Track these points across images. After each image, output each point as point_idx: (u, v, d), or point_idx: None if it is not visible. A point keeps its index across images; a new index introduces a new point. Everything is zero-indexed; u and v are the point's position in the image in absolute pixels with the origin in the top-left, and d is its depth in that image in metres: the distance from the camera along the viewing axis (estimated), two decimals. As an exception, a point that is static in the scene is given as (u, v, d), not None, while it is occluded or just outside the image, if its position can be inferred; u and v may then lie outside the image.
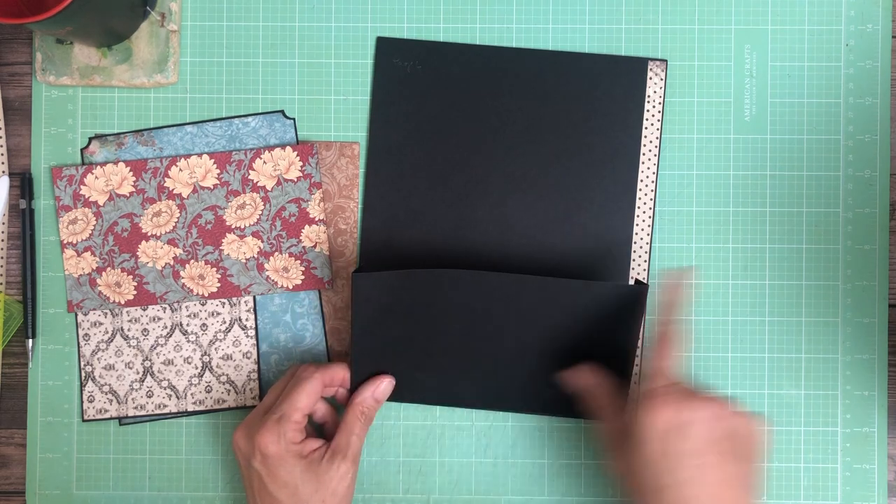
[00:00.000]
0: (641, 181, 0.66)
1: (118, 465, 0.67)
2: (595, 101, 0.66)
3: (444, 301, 0.61)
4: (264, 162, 0.66)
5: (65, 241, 0.66)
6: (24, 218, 0.66)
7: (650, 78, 0.66)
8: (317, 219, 0.66)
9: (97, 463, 0.67)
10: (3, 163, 0.67)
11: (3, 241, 0.67)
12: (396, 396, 0.65)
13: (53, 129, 0.67)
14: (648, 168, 0.66)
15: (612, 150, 0.66)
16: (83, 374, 0.66)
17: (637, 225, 0.66)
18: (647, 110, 0.66)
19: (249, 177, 0.66)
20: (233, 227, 0.66)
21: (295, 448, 0.59)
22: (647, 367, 0.59)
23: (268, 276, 0.66)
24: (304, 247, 0.66)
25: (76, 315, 0.67)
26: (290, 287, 0.66)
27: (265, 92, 0.67)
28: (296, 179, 0.66)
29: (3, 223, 0.67)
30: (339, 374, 0.62)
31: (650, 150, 0.66)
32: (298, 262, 0.66)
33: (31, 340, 0.66)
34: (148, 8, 0.66)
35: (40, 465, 0.67)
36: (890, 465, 0.66)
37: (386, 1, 0.67)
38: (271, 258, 0.66)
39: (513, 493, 0.67)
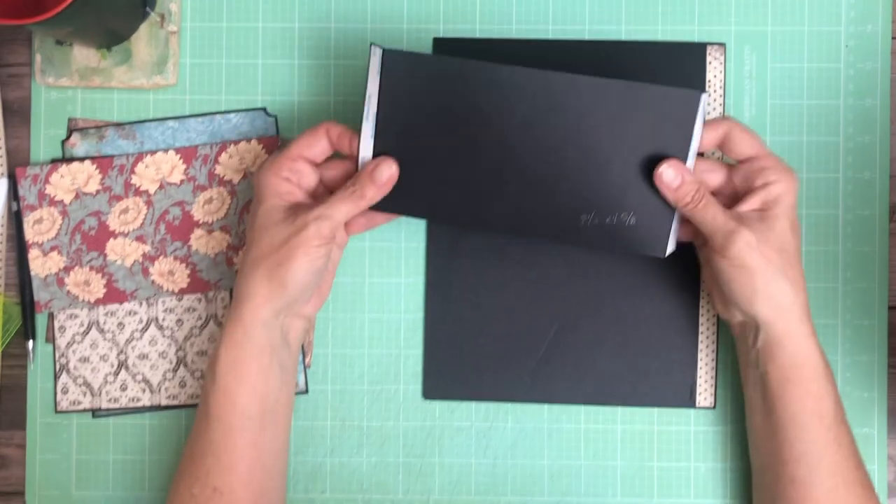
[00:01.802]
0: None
1: (118, 465, 0.67)
2: None
3: (478, 99, 0.57)
4: (230, 156, 0.66)
5: (30, 241, 0.66)
6: (17, 220, 0.66)
7: (709, 63, 0.66)
8: None
9: (97, 463, 0.67)
10: (2, 165, 0.67)
11: (1, 242, 0.67)
12: (417, 210, 0.61)
13: (52, 131, 0.67)
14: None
15: None
16: (57, 366, 0.66)
17: None
18: (709, 94, 0.66)
19: (216, 171, 0.66)
20: (200, 221, 0.66)
21: (279, 183, 0.58)
22: (746, 140, 0.59)
23: (237, 271, 0.66)
24: None
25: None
26: None
27: (265, 93, 0.67)
28: None
29: (2, 225, 0.67)
30: (347, 138, 0.59)
31: None
32: None
33: (31, 342, 0.66)
34: (147, 9, 0.66)
35: (40, 465, 0.67)
36: (890, 465, 0.67)
37: (386, 1, 0.67)
38: (240, 252, 0.66)
39: (513, 493, 0.67)
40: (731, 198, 0.60)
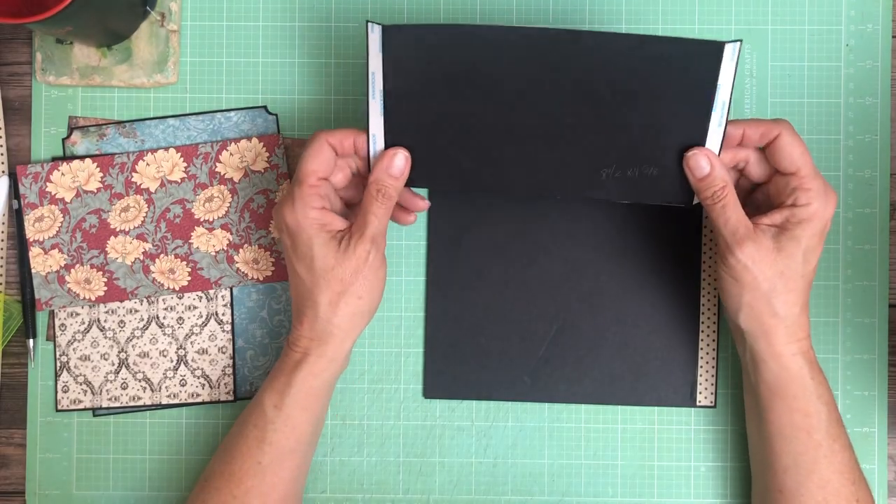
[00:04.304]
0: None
1: (118, 465, 0.67)
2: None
3: (486, 62, 0.56)
4: (231, 154, 0.66)
5: (31, 239, 0.66)
6: (18, 218, 0.66)
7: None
8: None
9: (97, 463, 0.67)
10: (2, 163, 0.67)
11: (2, 241, 0.67)
12: (438, 181, 0.60)
13: (53, 130, 0.67)
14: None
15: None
16: (58, 364, 0.66)
17: None
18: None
19: (216, 169, 0.66)
20: (201, 220, 0.66)
21: (314, 215, 0.56)
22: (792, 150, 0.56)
23: (238, 269, 0.66)
24: (273, 238, 0.66)
25: (57, 306, 0.67)
26: (261, 279, 0.66)
27: (265, 92, 0.67)
28: (263, 170, 0.66)
29: (3, 223, 0.67)
30: (349, 138, 0.58)
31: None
32: (268, 253, 0.66)
33: (31, 340, 0.66)
34: (148, 8, 0.66)
35: (40, 465, 0.67)
36: (890, 465, 0.66)
37: (386, 1, 0.67)
38: (241, 250, 0.66)
39: (513, 493, 0.67)
40: (764, 197, 0.59)
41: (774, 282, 0.56)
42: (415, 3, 0.67)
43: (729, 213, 0.56)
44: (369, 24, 0.56)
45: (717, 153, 0.57)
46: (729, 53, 0.54)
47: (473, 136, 0.58)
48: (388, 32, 0.55)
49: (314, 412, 0.60)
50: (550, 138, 0.58)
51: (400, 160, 0.58)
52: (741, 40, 0.55)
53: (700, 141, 0.57)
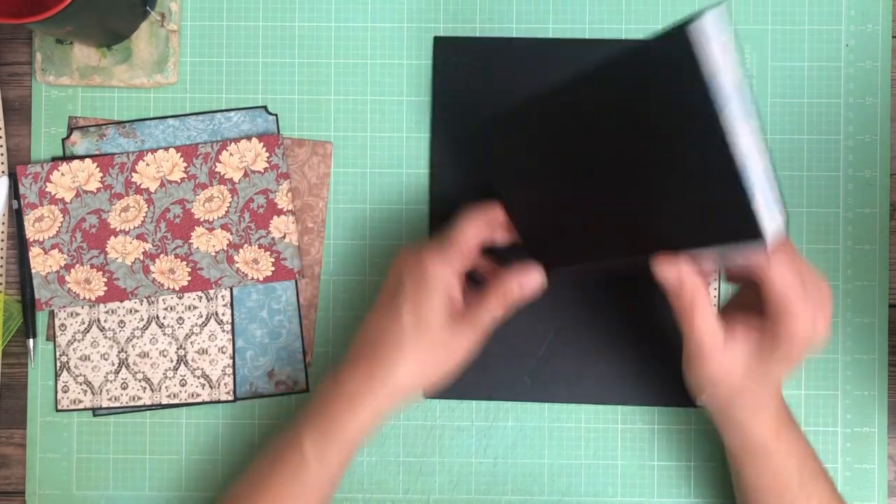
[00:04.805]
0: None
1: (118, 465, 0.67)
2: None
3: (549, 131, 0.53)
4: (231, 154, 0.66)
5: (31, 239, 0.66)
6: (18, 218, 0.66)
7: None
8: (285, 209, 0.66)
9: (97, 463, 0.67)
10: (2, 163, 0.67)
11: (2, 241, 0.67)
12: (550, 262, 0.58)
13: (53, 130, 0.67)
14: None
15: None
16: (58, 364, 0.66)
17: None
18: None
19: (216, 169, 0.66)
20: (201, 220, 0.66)
21: (450, 279, 0.57)
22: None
23: (238, 269, 0.66)
24: (273, 238, 0.66)
25: (59, 307, 0.67)
26: (261, 279, 0.66)
27: (265, 92, 0.67)
28: (263, 171, 0.66)
29: (3, 223, 0.67)
30: (500, 215, 0.58)
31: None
32: (268, 253, 0.66)
33: (31, 340, 0.66)
34: (148, 8, 0.66)
35: (40, 465, 0.67)
36: (890, 465, 0.66)
37: (386, 1, 0.67)
38: (241, 250, 0.66)
39: (513, 492, 0.67)
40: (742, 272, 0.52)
41: (743, 388, 0.54)
42: (415, 2, 0.67)
43: (699, 322, 0.51)
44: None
45: (753, 149, 0.43)
46: (707, 32, 0.41)
47: (569, 209, 0.55)
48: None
49: (352, 457, 0.59)
50: (626, 191, 0.50)
51: (534, 281, 0.58)
52: (722, 1, 0.44)
53: (724, 148, 0.43)
